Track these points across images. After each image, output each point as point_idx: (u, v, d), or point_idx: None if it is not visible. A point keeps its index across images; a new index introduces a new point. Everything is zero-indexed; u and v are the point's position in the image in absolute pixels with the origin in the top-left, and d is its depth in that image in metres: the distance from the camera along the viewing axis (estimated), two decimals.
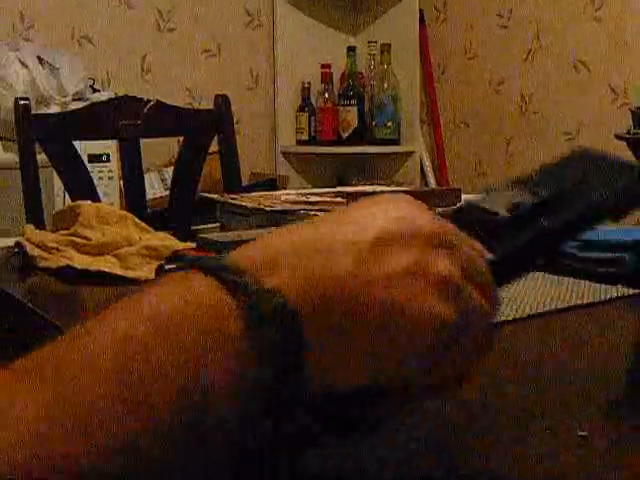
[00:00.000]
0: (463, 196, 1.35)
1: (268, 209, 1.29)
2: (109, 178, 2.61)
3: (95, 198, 1.69)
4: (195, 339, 0.39)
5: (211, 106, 1.96)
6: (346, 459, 0.49)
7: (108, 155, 2.59)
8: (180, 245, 1.14)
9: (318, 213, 1.24)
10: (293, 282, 0.41)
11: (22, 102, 1.79)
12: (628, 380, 0.67)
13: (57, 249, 1.14)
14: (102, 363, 0.39)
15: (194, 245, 1.14)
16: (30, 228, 1.23)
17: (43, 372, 0.39)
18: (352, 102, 3.51)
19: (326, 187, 1.68)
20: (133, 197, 1.87)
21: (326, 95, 3.55)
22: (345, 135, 3.53)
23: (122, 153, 1.88)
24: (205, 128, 1.93)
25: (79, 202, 1.29)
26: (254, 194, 1.48)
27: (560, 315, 0.83)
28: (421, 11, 3.53)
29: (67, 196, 1.85)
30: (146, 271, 1.04)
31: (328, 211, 1.25)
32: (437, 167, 3.62)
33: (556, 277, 0.99)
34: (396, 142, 3.51)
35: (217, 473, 0.40)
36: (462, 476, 0.48)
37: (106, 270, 1.05)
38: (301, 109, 3.57)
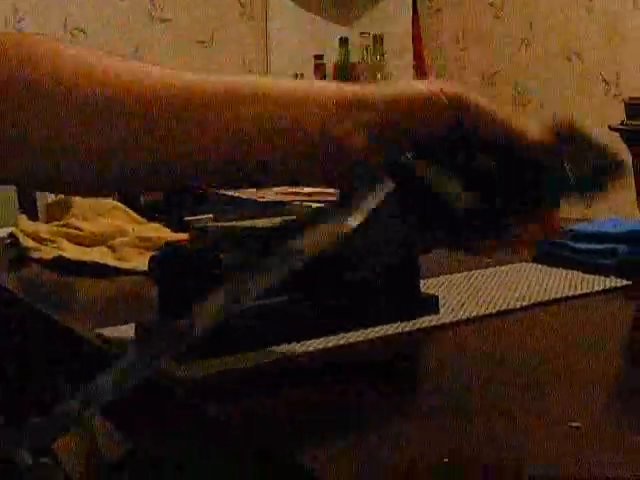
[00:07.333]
0: None
1: (261, 200, 1.29)
2: None
3: None
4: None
5: None
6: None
7: None
8: (173, 236, 1.14)
9: (312, 204, 1.24)
10: None
11: None
12: (622, 371, 0.68)
13: (50, 240, 1.14)
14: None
15: (187, 236, 1.14)
16: (23, 219, 1.23)
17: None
18: None
19: None
20: None
21: None
22: None
23: None
24: None
25: None
26: None
27: (552, 306, 0.84)
28: (414, 1, 3.53)
29: None
30: (139, 262, 1.04)
31: (322, 202, 1.25)
32: None
33: (548, 268, 0.99)
34: None
35: None
36: (457, 468, 0.48)
37: (99, 261, 1.05)
38: None
